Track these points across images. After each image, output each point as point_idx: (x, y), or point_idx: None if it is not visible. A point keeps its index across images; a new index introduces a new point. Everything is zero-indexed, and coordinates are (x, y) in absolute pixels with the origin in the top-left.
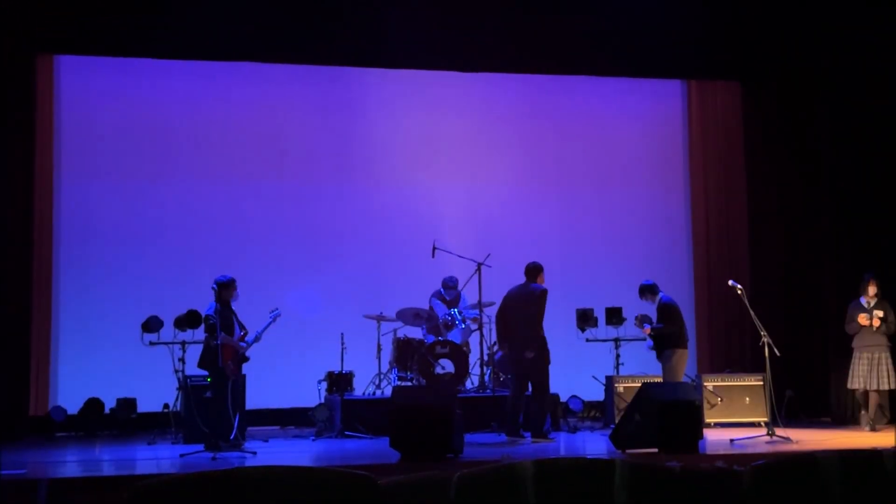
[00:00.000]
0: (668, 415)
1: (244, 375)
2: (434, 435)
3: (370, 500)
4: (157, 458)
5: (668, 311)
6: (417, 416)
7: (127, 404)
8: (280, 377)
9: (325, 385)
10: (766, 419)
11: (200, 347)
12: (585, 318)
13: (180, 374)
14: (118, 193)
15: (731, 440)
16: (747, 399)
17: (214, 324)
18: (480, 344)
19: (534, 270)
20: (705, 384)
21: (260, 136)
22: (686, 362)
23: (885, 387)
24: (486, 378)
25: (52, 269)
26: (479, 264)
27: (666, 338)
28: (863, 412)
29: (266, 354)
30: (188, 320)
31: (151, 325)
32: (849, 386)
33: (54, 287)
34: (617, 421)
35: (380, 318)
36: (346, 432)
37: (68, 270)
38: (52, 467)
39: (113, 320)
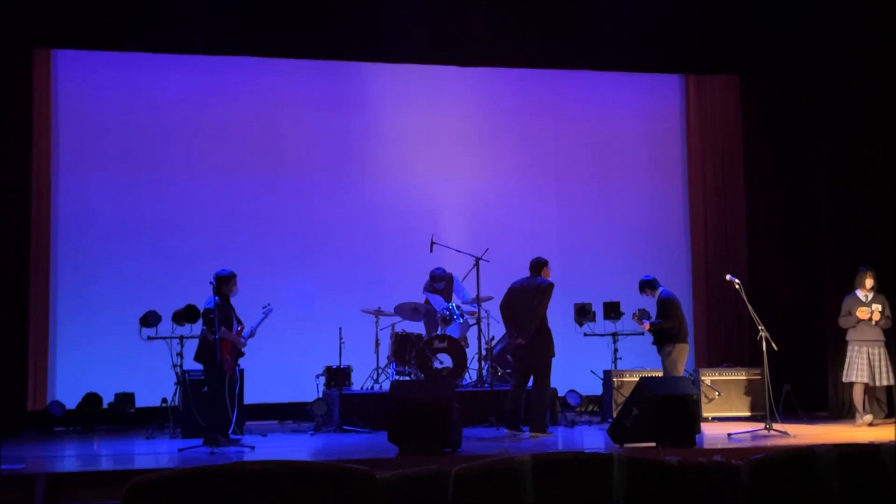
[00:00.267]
0: (666, 409)
1: (242, 370)
2: (432, 429)
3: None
4: (155, 453)
5: (667, 306)
6: (415, 410)
7: (125, 399)
8: (278, 372)
9: (323, 380)
10: (763, 413)
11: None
12: (583, 313)
13: (178, 369)
14: (116, 187)
15: (729, 434)
16: (745, 393)
17: (213, 318)
18: (478, 338)
19: (539, 265)
20: (703, 378)
21: (258, 129)
22: (686, 357)
23: (885, 382)
24: (484, 372)
25: (50, 264)
26: (478, 259)
27: (666, 332)
28: (857, 407)
29: (264, 349)
30: (186, 315)
31: (149, 319)
32: (846, 379)
33: (52, 281)
34: (615, 415)
35: (378, 313)
36: (345, 427)
37: (66, 265)
38: (51, 462)
39: (111, 315)
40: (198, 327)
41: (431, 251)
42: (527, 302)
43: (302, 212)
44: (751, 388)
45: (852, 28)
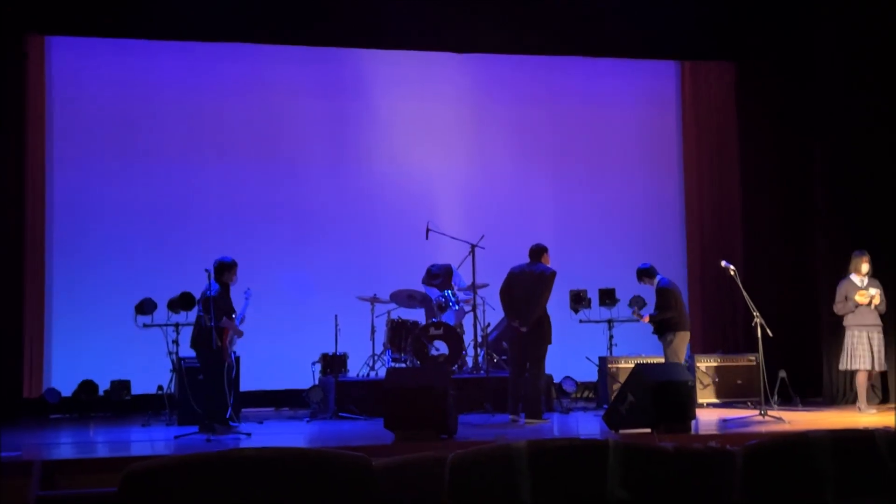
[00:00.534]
0: (662, 395)
1: (238, 357)
2: (428, 416)
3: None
4: (151, 440)
5: (666, 296)
6: (411, 397)
7: (121, 386)
8: (274, 359)
9: (319, 367)
10: (758, 399)
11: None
12: (579, 300)
13: (174, 356)
14: (111, 175)
15: (724, 420)
16: (740, 379)
17: (213, 305)
18: (474, 325)
19: (539, 251)
20: (698, 365)
21: (253, 117)
22: (686, 344)
23: (884, 368)
24: (480, 359)
25: (45, 252)
26: (473, 246)
27: (666, 321)
28: (860, 395)
29: (260, 336)
30: (182, 302)
31: (145, 307)
32: (847, 367)
33: (47, 269)
34: (610, 401)
35: (373, 300)
36: (341, 413)
37: (62, 253)
38: (47, 449)
39: (106, 302)
40: (193, 315)
41: (427, 238)
42: (528, 289)
43: (298, 199)
44: (746, 375)
45: (848, 15)
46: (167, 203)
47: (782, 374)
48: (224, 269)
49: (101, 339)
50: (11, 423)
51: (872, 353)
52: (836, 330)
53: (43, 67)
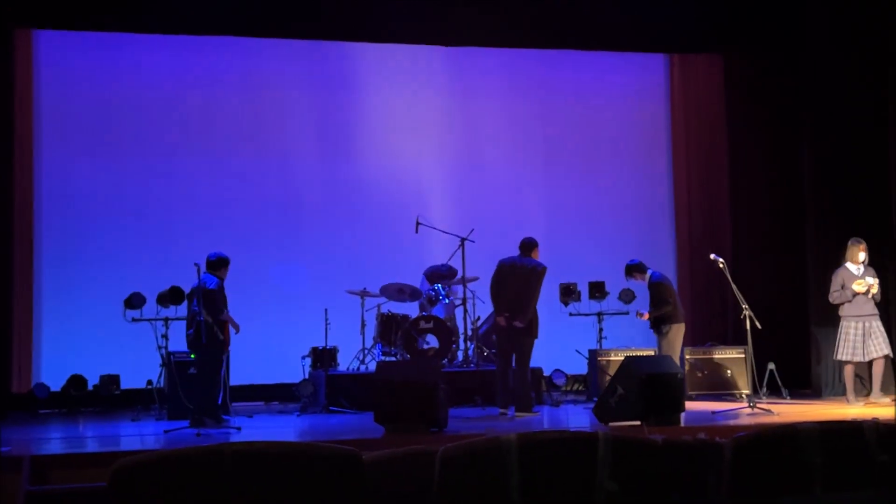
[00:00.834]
0: (651, 388)
1: (228, 350)
2: (418, 409)
3: (355, 474)
4: (141, 435)
5: (662, 290)
6: (402, 390)
7: (110, 381)
8: (264, 353)
9: (309, 361)
10: (747, 391)
11: (184, 324)
12: (569, 293)
13: (163, 351)
14: (99, 169)
15: (713, 412)
16: (729, 372)
17: (218, 298)
18: (464, 319)
19: (530, 245)
20: (687, 357)
21: (242, 110)
22: (682, 336)
23: (883, 353)
24: (470, 353)
25: (34, 246)
26: (463, 239)
27: (662, 314)
28: (848, 387)
29: (250, 331)
30: (171, 297)
31: (134, 301)
32: (840, 357)
33: (36, 264)
34: (600, 394)
35: (363, 294)
36: (331, 407)
37: (50, 247)
38: (37, 444)
39: (95, 297)
40: (182, 309)
41: (417, 232)
42: (520, 283)
43: (287, 193)
44: (735, 367)
45: (837, 6)
46: (156, 197)
47: (771, 366)
48: (221, 265)
49: (90, 334)
50: (0, 419)
51: (865, 344)
52: (824, 321)
53: (31, 62)
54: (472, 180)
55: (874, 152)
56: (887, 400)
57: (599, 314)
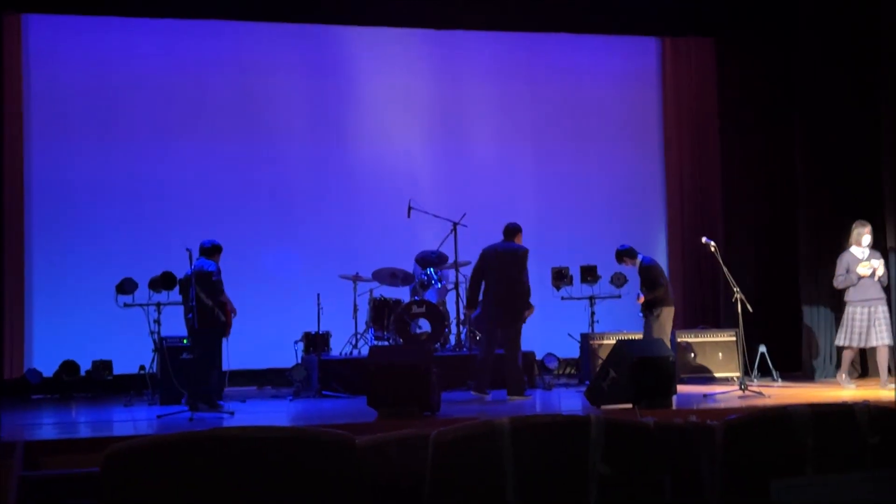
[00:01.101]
0: (643, 371)
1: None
2: (411, 393)
3: (348, 458)
4: (133, 420)
5: (653, 273)
6: (394, 374)
7: (102, 366)
8: (257, 337)
9: (301, 345)
10: (738, 374)
11: (176, 309)
12: (560, 277)
13: (156, 336)
14: (90, 154)
15: (705, 395)
16: (720, 354)
17: (221, 280)
18: (457, 303)
19: (514, 230)
20: (679, 340)
21: (234, 95)
22: (672, 319)
23: (883, 343)
24: (463, 337)
25: (24, 231)
26: (455, 224)
27: (653, 298)
28: (843, 370)
29: (242, 315)
30: (163, 282)
31: (126, 286)
32: (840, 342)
33: (27, 249)
34: (592, 378)
35: (355, 279)
36: (324, 392)
37: (40, 232)
38: (29, 429)
39: (87, 282)
40: (175, 294)
41: (409, 216)
42: (506, 269)
43: (278, 177)
44: (726, 350)
45: None
46: (147, 182)
47: (762, 349)
48: (216, 251)
49: (82, 320)
50: None
51: (869, 330)
52: (816, 305)
53: (20, 46)
54: (464, 165)
55: (866, 135)
56: (853, 385)
57: (591, 298)
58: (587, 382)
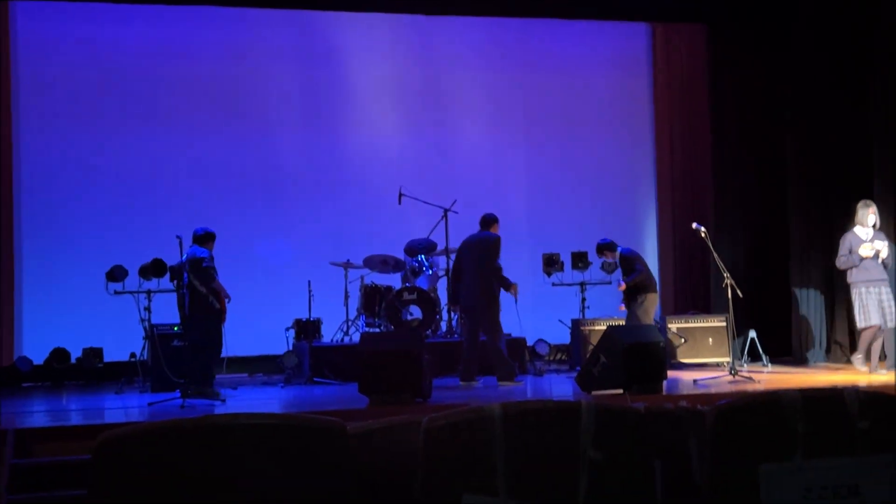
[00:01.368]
0: (633, 357)
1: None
2: (403, 380)
3: (340, 445)
4: (125, 407)
5: (631, 261)
6: (386, 361)
7: (93, 354)
8: (248, 324)
9: (293, 332)
10: (728, 359)
11: (167, 297)
12: (551, 263)
13: (146, 323)
14: (79, 141)
15: (695, 380)
16: (710, 340)
17: (213, 267)
18: (448, 290)
19: (488, 220)
20: (669, 326)
21: (224, 81)
22: (656, 306)
23: (891, 324)
24: (454, 323)
25: (14, 219)
26: (446, 210)
27: (637, 285)
28: (860, 352)
29: (234, 302)
30: (153, 269)
31: (116, 274)
32: (862, 324)
33: (16, 237)
34: (583, 363)
35: (346, 266)
36: (315, 379)
37: (30, 219)
38: (20, 417)
39: (77, 270)
40: (165, 282)
41: (400, 203)
42: (477, 258)
43: (269, 164)
44: (716, 335)
45: None
46: (137, 169)
47: (752, 334)
48: (209, 238)
49: (73, 307)
50: None
51: (882, 309)
52: (806, 290)
53: (8, 32)
54: (455, 151)
55: (856, 121)
56: (882, 369)
57: (582, 284)
58: (578, 368)
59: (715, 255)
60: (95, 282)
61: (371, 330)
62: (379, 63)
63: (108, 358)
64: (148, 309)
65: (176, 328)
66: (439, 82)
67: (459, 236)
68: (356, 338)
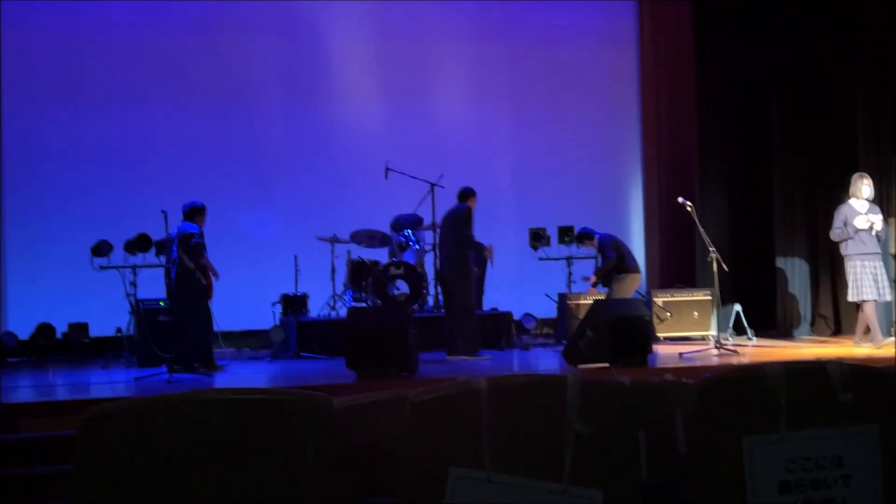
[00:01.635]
0: (619, 330)
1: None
2: (389, 354)
3: (326, 420)
4: (111, 382)
5: (605, 246)
6: (373, 336)
7: (79, 329)
8: (234, 299)
9: (279, 307)
10: (713, 333)
11: (152, 271)
12: (538, 237)
13: (132, 298)
14: (63, 117)
15: (680, 354)
16: (696, 313)
17: (201, 243)
18: (434, 264)
19: (463, 193)
20: (655, 300)
21: (209, 56)
22: (636, 286)
23: (888, 298)
24: (441, 298)
25: None
26: (433, 185)
27: (610, 271)
28: (872, 327)
29: (221, 277)
30: (139, 244)
31: (101, 248)
32: (856, 298)
33: (1, 212)
34: (569, 337)
35: (333, 240)
36: (302, 353)
37: (14, 195)
38: (6, 392)
39: (62, 244)
40: (150, 256)
41: (386, 178)
42: (448, 228)
43: (255, 139)
44: (701, 309)
45: None
46: (121, 144)
47: (737, 307)
48: (197, 212)
49: (58, 282)
50: None
51: (877, 282)
52: (790, 264)
53: None
54: (441, 126)
55: (841, 94)
56: (891, 341)
57: (569, 258)
58: (564, 342)
59: (700, 228)
60: (80, 256)
61: (358, 304)
62: (364, 37)
63: (93, 333)
64: (134, 284)
65: (162, 303)
66: (426, 56)
67: (446, 211)
68: (343, 312)
